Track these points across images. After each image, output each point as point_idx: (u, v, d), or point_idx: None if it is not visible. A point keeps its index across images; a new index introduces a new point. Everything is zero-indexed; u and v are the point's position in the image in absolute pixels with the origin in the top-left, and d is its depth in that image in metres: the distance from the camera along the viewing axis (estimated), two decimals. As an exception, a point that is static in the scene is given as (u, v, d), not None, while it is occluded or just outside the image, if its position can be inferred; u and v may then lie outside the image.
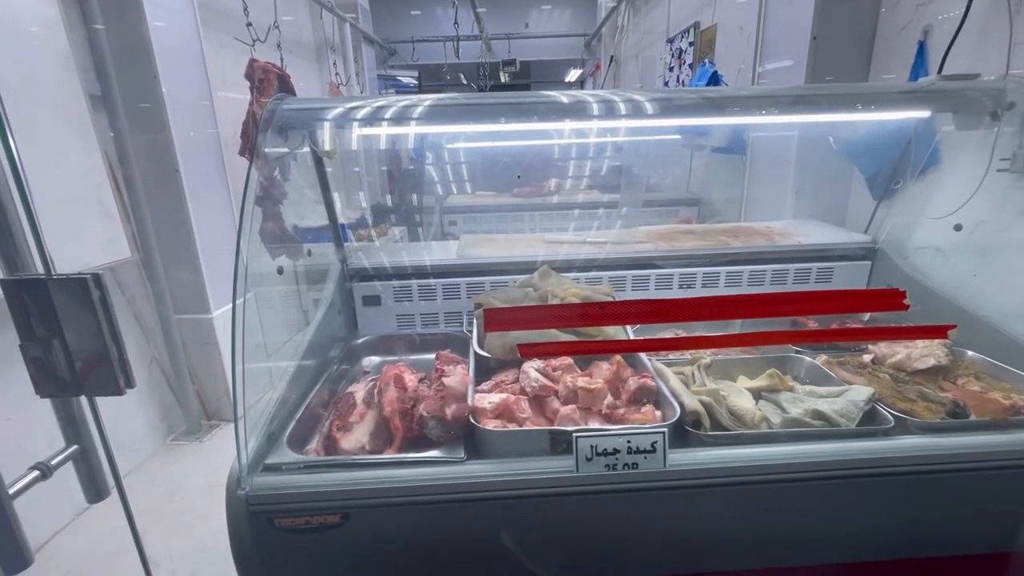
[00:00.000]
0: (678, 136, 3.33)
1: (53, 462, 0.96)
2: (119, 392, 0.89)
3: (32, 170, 2.06)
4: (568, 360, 1.38)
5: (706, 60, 3.09)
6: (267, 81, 3.47)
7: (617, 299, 1.66)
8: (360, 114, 1.36)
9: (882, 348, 1.49)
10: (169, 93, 2.75)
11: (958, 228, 1.59)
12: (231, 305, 1.08)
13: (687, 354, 1.46)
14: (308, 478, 1.07)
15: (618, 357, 1.39)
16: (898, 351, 1.44)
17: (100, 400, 0.97)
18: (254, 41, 3.42)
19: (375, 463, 1.10)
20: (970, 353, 1.45)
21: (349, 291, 1.79)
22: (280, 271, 1.37)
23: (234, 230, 3.30)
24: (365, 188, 5.35)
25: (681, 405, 1.18)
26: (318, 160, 1.58)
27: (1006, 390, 1.29)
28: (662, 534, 1.16)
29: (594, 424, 1.21)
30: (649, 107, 1.38)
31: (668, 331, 1.69)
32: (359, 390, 1.37)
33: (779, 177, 2.33)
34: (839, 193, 2.14)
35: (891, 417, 1.18)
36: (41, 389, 0.88)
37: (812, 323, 1.62)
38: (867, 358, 1.45)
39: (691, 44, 3.92)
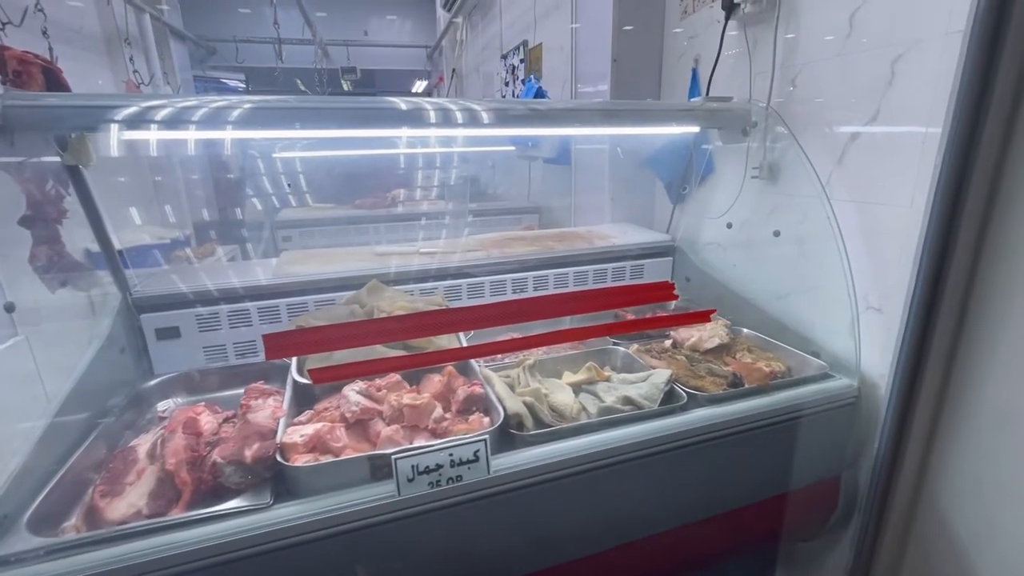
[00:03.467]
0: (513, 147, 3.49)
1: None
2: None
3: None
4: (396, 377, 1.33)
5: (532, 76, 3.28)
6: (27, 74, 2.84)
7: (449, 307, 1.65)
8: (159, 115, 1.14)
9: (681, 333, 1.69)
10: None
11: (729, 226, 1.88)
12: None
13: (521, 355, 1.50)
14: (55, 565, 0.86)
15: (449, 367, 1.37)
16: (693, 334, 1.65)
17: None
18: (4, 24, 2.77)
19: (153, 528, 0.92)
20: (745, 331, 1.72)
21: (136, 324, 1.51)
22: (9, 308, 1.09)
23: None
24: (184, 205, 4.67)
25: (504, 409, 1.20)
26: (72, 170, 1.30)
27: (769, 359, 1.55)
28: (496, 540, 1.16)
29: (420, 441, 1.17)
30: (483, 116, 1.39)
31: (504, 335, 1.73)
32: (143, 443, 1.15)
33: (598, 185, 2.56)
34: (646, 198, 2.41)
35: (684, 394, 1.33)
36: None
37: (630, 316, 1.79)
38: (668, 343, 1.64)
39: (522, 61, 4.15)
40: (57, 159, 1.26)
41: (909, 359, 1.31)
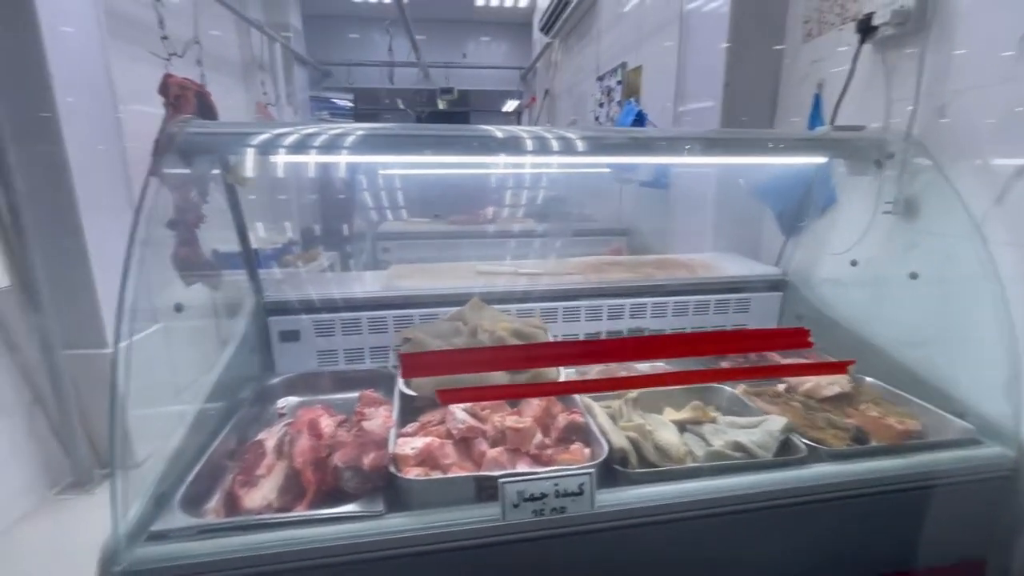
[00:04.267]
0: (608, 169, 3.46)
1: None
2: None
3: None
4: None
5: (632, 99, 3.26)
6: (184, 98, 3.25)
7: (548, 331, 1.66)
8: (285, 141, 1.28)
9: (795, 377, 1.57)
10: (64, 104, 2.50)
11: (854, 264, 1.73)
12: (131, 339, 0.95)
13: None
14: (202, 545, 0.95)
15: (549, 392, 1.37)
16: (808, 380, 1.53)
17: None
18: (170, 55, 3.22)
19: (282, 522, 0.99)
20: (869, 379, 1.56)
21: (265, 326, 1.67)
22: (178, 308, 1.24)
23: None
24: (294, 214, 5.12)
25: (609, 443, 1.17)
26: (230, 188, 1.47)
27: (900, 415, 1.40)
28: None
29: (523, 466, 1.17)
30: (580, 145, 1.41)
31: (600, 366, 1.71)
32: (270, 437, 1.26)
33: (699, 211, 2.47)
34: (753, 228, 2.29)
35: (803, 446, 1.23)
36: None
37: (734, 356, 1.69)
38: (781, 387, 1.53)
39: (619, 83, 4.13)
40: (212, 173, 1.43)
41: (1089, 434, 1.12)
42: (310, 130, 1.23)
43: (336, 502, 1.06)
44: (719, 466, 1.17)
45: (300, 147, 1.24)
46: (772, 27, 2.18)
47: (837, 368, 1.04)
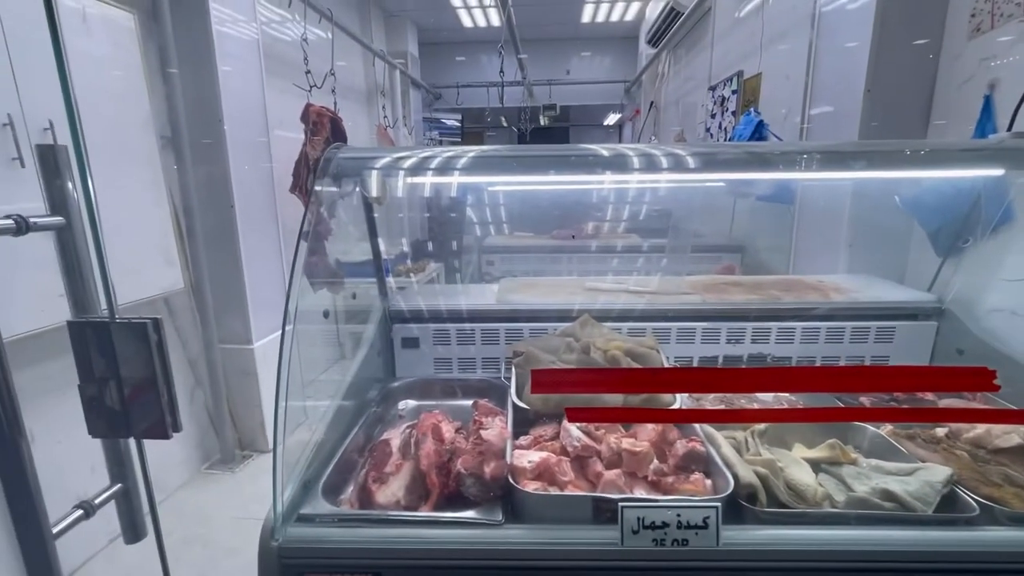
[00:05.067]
0: (721, 183, 3.29)
1: (97, 501, 0.96)
2: (166, 436, 0.90)
3: (105, 206, 2.21)
4: (611, 417, 1.33)
5: (752, 109, 3.08)
6: (320, 124, 3.66)
7: (661, 351, 1.60)
8: (407, 163, 1.39)
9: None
10: (231, 133, 2.93)
11: (1038, 292, 1.47)
12: (270, 337, 1.08)
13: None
14: (341, 532, 1.04)
15: (663, 416, 1.32)
16: (976, 426, 1.32)
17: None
18: (311, 87, 3.63)
19: (410, 520, 1.06)
20: (1059, 431, 1.31)
21: (389, 333, 1.80)
22: (326, 314, 1.39)
23: (279, 263, 3.44)
24: (406, 227, 5.50)
25: (735, 476, 1.10)
26: (367, 205, 1.62)
27: (1108, 478, 1.15)
28: (713, 619, 1.06)
29: (639, 491, 1.14)
30: (692, 162, 1.36)
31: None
32: (395, 437, 1.35)
33: (831, 229, 2.25)
34: (897, 248, 2.04)
35: (975, 504, 1.06)
36: (94, 429, 0.89)
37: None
38: (940, 431, 1.33)
39: (734, 92, 3.93)
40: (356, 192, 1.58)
41: None
42: (448, 153, 1.33)
43: (457, 507, 1.10)
44: (866, 515, 1.05)
45: (437, 169, 1.34)
46: (926, 23, 1.95)
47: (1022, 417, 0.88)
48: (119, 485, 1.00)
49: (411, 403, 1.69)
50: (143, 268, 2.44)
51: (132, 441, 1.01)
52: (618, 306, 1.83)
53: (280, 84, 3.71)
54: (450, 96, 8.05)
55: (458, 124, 7.94)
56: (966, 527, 1.04)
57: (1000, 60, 1.64)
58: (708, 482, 1.16)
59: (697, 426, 1.31)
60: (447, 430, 1.29)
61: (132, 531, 1.02)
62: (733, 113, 3.95)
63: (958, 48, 1.85)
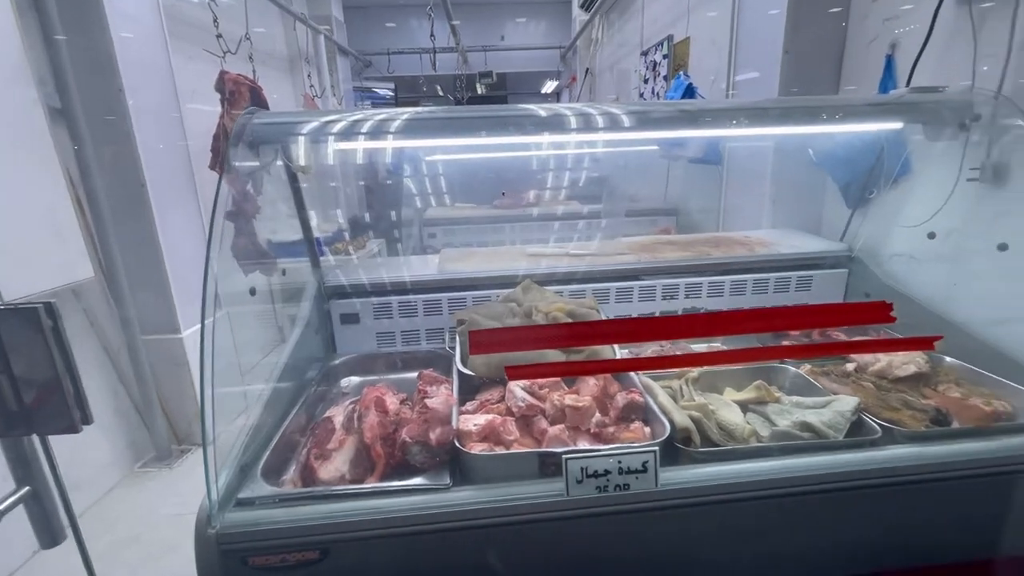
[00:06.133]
0: (655, 147, 3.37)
1: (1, 507, 0.88)
2: (74, 429, 0.82)
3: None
4: (555, 376, 1.35)
5: (681, 73, 3.14)
6: (238, 93, 3.39)
7: (601, 312, 1.64)
8: (336, 128, 1.31)
9: (864, 356, 1.49)
10: (135, 105, 2.66)
11: (931, 236, 1.62)
12: (200, 325, 1.02)
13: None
14: (284, 512, 1.01)
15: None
16: (879, 359, 1.45)
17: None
18: (224, 53, 3.34)
19: (356, 493, 1.05)
20: (948, 359, 1.47)
21: (326, 309, 1.73)
22: (252, 292, 1.31)
23: (205, 246, 3.20)
24: (342, 201, 5.27)
25: (671, 422, 1.16)
26: (292, 175, 1.53)
27: (985, 396, 1.31)
28: (656, 554, 1.13)
29: (583, 444, 1.18)
30: (627, 120, 1.38)
31: (654, 344, 1.68)
32: (338, 414, 1.32)
33: (755, 187, 2.37)
34: (814, 202, 2.18)
35: (878, 427, 1.18)
36: (-13, 429, 0.81)
37: (794, 333, 1.63)
38: (850, 367, 1.46)
39: (665, 57, 3.99)
40: (280, 164, 1.49)
41: None
42: (381, 116, 1.27)
43: (405, 475, 1.10)
44: (787, 446, 1.14)
45: (370, 133, 1.28)
46: (837, -14, 2.04)
47: (923, 344, 0.98)
48: (27, 488, 0.91)
49: (354, 380, 1.65)
50: (39, 257, 2.20)
51: (38, 440, 0.92)
52: (560, 270, 1.86)
53: (188, 50, 3.39)
54: (381, 64, 7.69)
55: (391, 93, 7.62)
56: (871, 448, 1.15)
57: (900, 20, 1.75)
58: (647, 429, 1.22)
59: (636, 378, 1.36)
60: (391, 402, 1.27)
61: (48, 535, 0.95)
62: (665, 78, 4.03)
63: (865, 9, 1.96)
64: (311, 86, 5.26)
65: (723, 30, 2.81)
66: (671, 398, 1.28)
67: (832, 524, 1.15)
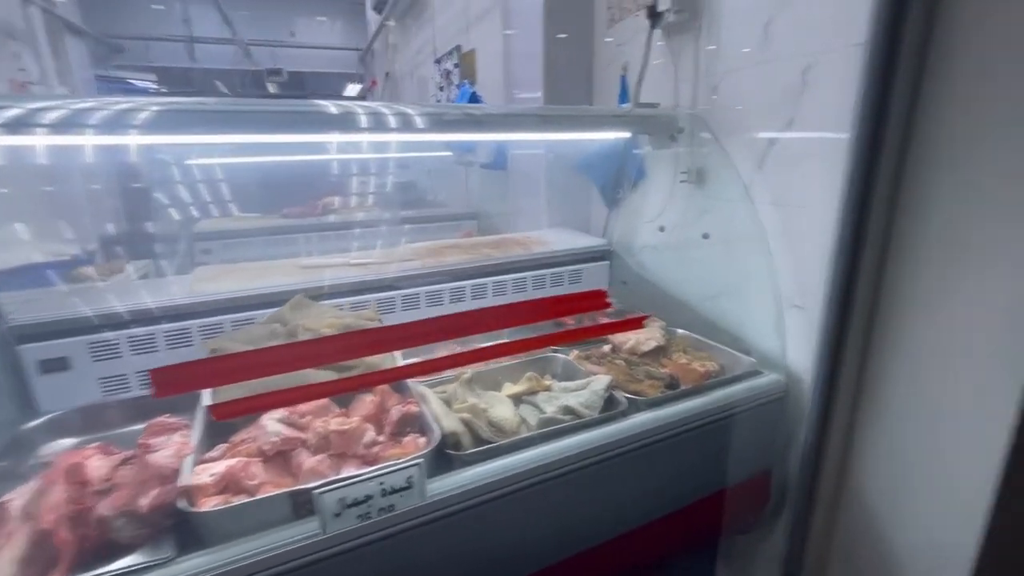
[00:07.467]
0: (450, 153, 3.43)
1: None
2: None
3: None
4: (323, 400, 1.23)
5: (466, 82, 3.24)
6: None
7: (384, 323, 1.57)
8: (51, 117, 0.99)
9: (619, 337, 1.69)
10: None
11: (662, 230, 1.92)
12: None
13: (459, 369, 1.44)
14: None
15: (383, 386, 1.30)
16: (630, 338, 1.66)
17: None
18: None
19: (23, 602, 0.79)
20: (680, 331, 1.75)
21: (13, 356, 1.32)
22: None
23: None
24: (87, 216, 4.23)
25: (440, 428, 1.13)
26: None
27: (703, 359, 1.58)
28: (436, 568, 1.10)
29: (350, 469, 1.08)
30: (410, 120, 1.34)
31: (443, 350, 1.66)
32: (18, 497, 0.99)
33: (534, 190, 2.55)
34: (582, 203, 2.43)
35: (625, 400, 1.33)
36: None
37: (571, 323, 1.77)
38: (607, 348, 1.64)
39: (456, 66, 4.09)
40: None
41: (828, 354, 1.38)
42: (125, 106, 0.98)
43: (111, 559, 0.87)
44: (548, 432, 1.21)
45: (102, 126, 1.00)
46: (582, 13, 2.30)
47: (634, 324, 1.13)
48: None
49: (66, 442, 1.29)
50: None
51: None
52: (339, 281, 1.73)
53: None
54: (138, 51, 6.44)
55: (154, 86, 6.42)
56: (620, 419, 1.29)
57: (627, 46, 2.05)
58: (422, 440, 1.17)
59: (412, 387, 1.32)
60: (97, 467, 1.00)
61: None
62: (458, 87, 4.13)
63: (603, 35, 2.24)
64: (21, 70, 4.12)
65: (497, 46, 2.98)
66: (445, 403, 1.26)
67: (595, 493, 1.26)
